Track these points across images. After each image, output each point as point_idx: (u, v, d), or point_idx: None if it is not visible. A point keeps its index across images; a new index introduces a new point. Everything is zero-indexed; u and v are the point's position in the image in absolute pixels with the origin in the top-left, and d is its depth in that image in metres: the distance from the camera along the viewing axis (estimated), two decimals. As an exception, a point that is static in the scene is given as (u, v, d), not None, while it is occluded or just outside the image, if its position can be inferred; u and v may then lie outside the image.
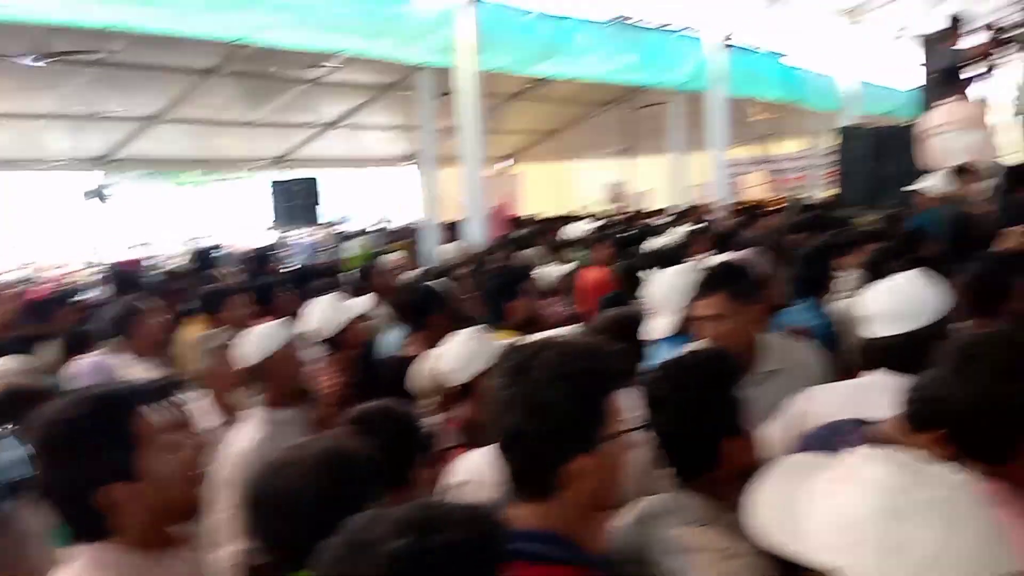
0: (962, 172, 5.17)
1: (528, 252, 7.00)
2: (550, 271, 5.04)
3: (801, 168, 14.52)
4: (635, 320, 2.78)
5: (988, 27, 6.75)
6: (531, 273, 4.53)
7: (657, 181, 14.98)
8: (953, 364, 1.42)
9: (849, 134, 8.93)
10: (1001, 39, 6.63)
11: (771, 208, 10.06)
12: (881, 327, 2.12)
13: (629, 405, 1.43)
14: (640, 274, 3.67)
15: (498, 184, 15.20)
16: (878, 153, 8.10)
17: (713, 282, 2.48)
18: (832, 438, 1.78)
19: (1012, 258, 2.88)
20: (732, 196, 11.36)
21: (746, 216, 8.53)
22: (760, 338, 2.50)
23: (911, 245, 4.00)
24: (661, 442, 1.56)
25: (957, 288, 2.38)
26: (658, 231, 7.13)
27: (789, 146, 15.47)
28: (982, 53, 6.77)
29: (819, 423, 1.98)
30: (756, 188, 15.27)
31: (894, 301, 2.13)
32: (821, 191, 11.44)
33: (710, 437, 1.51)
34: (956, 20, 6.80)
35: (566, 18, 8.03)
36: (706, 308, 2.44)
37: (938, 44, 6.98)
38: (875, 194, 7.74)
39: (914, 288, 2.15)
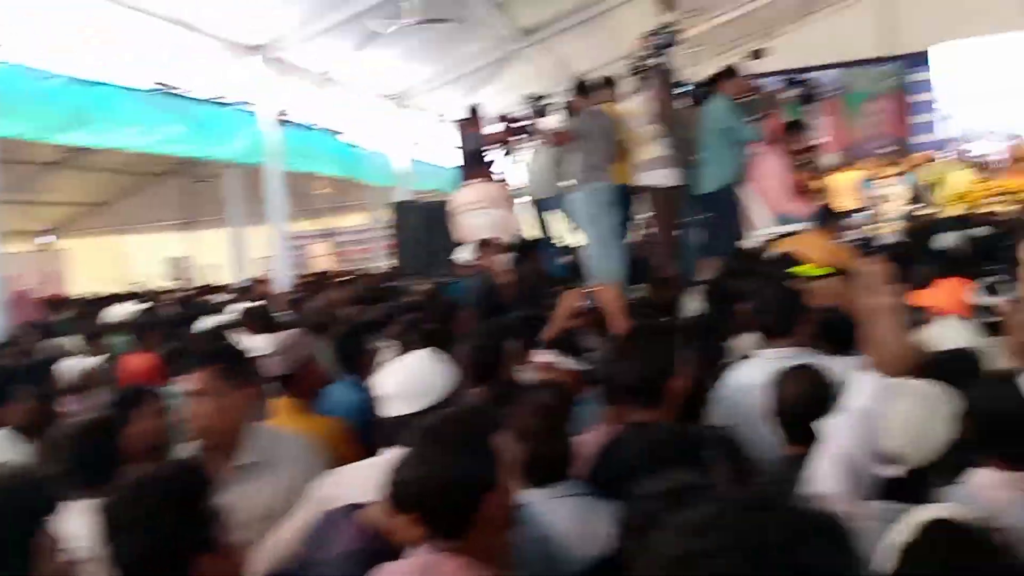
0: (486, 245, 5.81)
1: (62, 340, 6.18)
2: (76, 363, 4.46)
3: (365, 240, 15.17)
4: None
5: (502, 118, 7.75)
6: (49, 367, 3.99)
7: (223, 255, 14.46)
8: (418, 445, 1.50)
9: (403, 208, 9.56)
10: (513, 129, 7.65)
11: (337, 280, 10.28)
12: (395, 406, 2.20)
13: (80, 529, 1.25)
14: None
15: (35, 261, 13.39)
16: (429, 226, 8.77)
17: (204, 357, 2.38)
18: (330, 526, 1.78)
19: (504, 325, 3.22)
20: (298, 269, 11.39)
21: (306, 291, 8.57)
22: (248, 427, 2.42)
23: (443, 315, 4.34)
24: (123, 569, 1.39)
25: (460, 359, 2.59)
26: (216, 309, 6.81)
27: (354, 219, 16.09)
28: (500, 139, 7.74)
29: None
30: (323, 259, 15.57)
31: (405, 381, 2.22)
32: (383, 262, 12.03)
33: (176, 559, 1.39)
34: (474, 110, 7.73)
35: (101, 84, 7.38)
36: (193, 383, 2.32)
37: (466, 130, 7.84)
38: (428, 265, 8.34)
39: (423, 367, 2.26)
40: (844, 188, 13.03)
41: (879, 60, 16.53)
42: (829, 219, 5.55)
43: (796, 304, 2.98)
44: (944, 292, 4.10)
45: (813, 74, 16.43)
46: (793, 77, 7.03)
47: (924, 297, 3.95)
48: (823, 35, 16.07)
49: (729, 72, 6.37)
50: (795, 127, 6.27)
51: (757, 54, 7.12)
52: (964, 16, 15.14)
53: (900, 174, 13.33)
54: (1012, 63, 15.55)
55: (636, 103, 6.63)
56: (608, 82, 6.84)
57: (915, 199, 12.50)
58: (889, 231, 10.58)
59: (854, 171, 13.67)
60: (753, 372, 2.73)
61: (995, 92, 15.70)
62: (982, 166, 13.73)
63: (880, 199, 12.89)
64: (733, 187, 6.34)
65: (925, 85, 16.15)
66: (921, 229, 9.15)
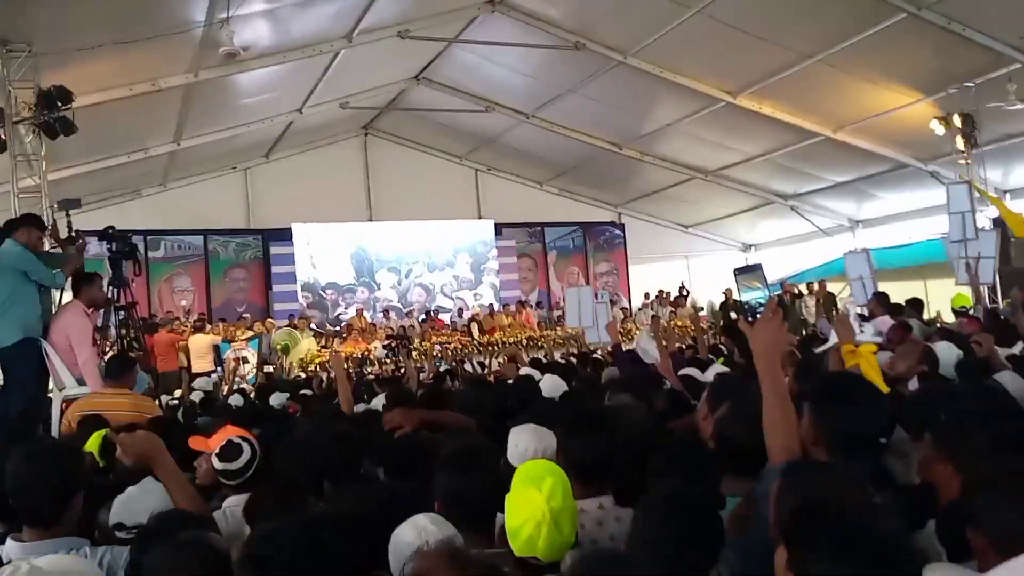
0: None
1: None
2: None
3: None
4: None
5: None
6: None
7: None
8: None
9: None
10: None
11: None
12: None
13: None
14: None
15: None
16: None
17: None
18: None
19: None
20: None
21: None
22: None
23: None
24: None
25: None
26: None
27: None
28: None
29: None
30: None
31: None
32: None
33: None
34: None
35: None
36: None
37: None
38: None
39: None
40: (200, 349, 13.25)
41: (244, 231, 17.71)
42: (123, 374, 5.42)
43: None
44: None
45: (182, 237, 16.93)
46: (111, 231, 6.91)
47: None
48: (190, 201, 16.66)
49: (28, 219, 6.00)
50: (93, 279, 6.07)
51: (64, 205, 6.90)
52: (320, 203, 17.38)
53: (253, 337, 14.10)
54: (354, 245, 18.24)
55: None
56: None
57: (265, 361, 13.31)
58: (238, 390, 10.95)
59: (212, 334, 14.01)
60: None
61: (340, 269, 18.15)
62: (326, 335, 15.43)
63: (237, 360, 13.38)
64: (31, 341, 5.81)
65: (287, 258, 17.71)
66: (261, 389, 9.78)
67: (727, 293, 17.96)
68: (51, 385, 6.04)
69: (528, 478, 2.41)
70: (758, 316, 2.64)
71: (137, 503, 2.86)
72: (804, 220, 18.64)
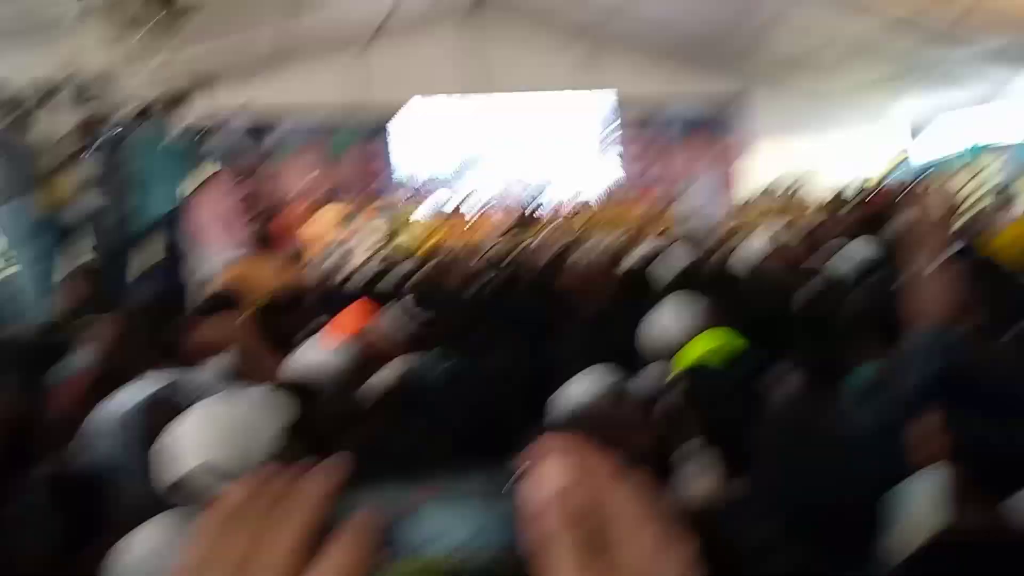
0: None
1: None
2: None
3: None
4: None
5: None
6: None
7: None
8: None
9: None
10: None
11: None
12: None
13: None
14: None
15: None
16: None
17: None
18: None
19: None
20: None
21: None
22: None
23: None
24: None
25: None
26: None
27: None
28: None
29: None
30: None
31: None
32: None
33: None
34: None
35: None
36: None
37: None
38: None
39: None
40: (325, 225, 13.57)
41: (360, 108, 17.67)
42: (268, 245, 5.54)
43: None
44: (354, 313, 4.25)
45: (294, 115, 17.12)
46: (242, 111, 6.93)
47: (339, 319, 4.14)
48: (309, 82, 16.65)
49: (170, 98, 6.07)
50: (237, 156, 6.19)
51: (199, 81, 6.93)
52: (434, 80, 17.13)
53: (376, 214, 14.35)
54: (467, 122, 18.04)
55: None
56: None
57: (388, 238, 13.53)
58: (364, 265, 11.19)
59: (335, 210, 14.31)
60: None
61: (454, 146, 18.04)
62: (440, 214, 15.57)
63: (359, 236, 13.66)
64: (177, 212, 6.00)
65: (402, 136, 17.68)
66: (389, 264, 9.95)
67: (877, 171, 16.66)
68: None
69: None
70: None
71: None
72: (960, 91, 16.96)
